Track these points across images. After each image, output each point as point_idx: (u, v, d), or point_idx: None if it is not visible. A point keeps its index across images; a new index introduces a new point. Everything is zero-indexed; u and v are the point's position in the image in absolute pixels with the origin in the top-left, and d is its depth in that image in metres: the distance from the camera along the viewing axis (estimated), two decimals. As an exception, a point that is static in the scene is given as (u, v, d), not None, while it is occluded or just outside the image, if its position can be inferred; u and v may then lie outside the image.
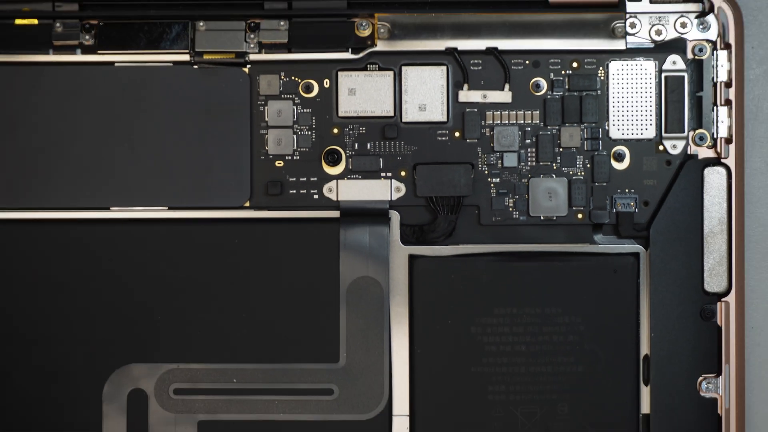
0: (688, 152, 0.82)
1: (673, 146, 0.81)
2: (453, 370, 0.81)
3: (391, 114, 0.82)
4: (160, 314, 0.81)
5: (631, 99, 0.82)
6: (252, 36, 0.81)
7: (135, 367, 0.81)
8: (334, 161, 0.82)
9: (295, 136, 0.82)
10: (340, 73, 0.82)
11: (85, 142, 0.82)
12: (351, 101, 0.82)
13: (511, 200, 0.82)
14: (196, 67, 0.81)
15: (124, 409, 0.81)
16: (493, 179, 0.82)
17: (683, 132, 0.81)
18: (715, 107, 0.81)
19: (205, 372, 0.81)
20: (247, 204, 0.82)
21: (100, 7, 0.81)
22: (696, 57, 0.81)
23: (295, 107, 0.82)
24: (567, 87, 0.82)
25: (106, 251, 0.81)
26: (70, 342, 0.81)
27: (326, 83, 0.82)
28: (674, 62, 0.81)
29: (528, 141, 0.82)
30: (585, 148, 0.82)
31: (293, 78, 0.82)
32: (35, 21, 0.81)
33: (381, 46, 0.81)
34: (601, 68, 0.81)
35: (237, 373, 0.81)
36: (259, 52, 0.81)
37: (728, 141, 0.81)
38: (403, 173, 0.82)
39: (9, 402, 0.82)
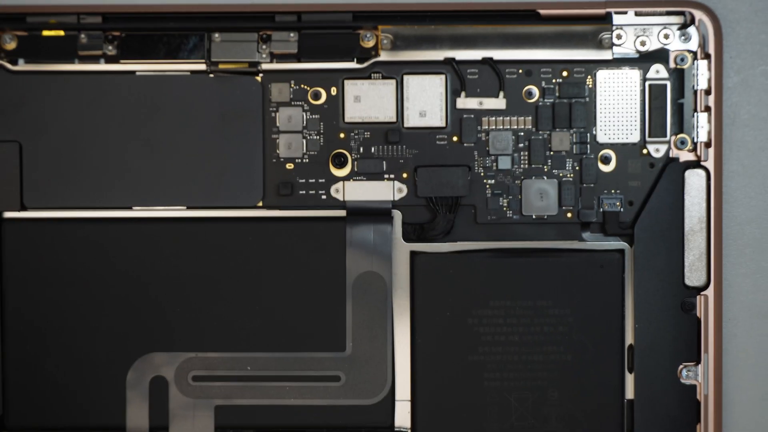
0: (670, 155, 0.83)
1: (656, 150, 0.83)
2: (451, 359, 0.83)
3: (394, 120, 0.84)
4: (179, 306, 0.82)
5: (617, 106, 0.83)
6: (264, 47, 0.83)
7: (156, 356, 0.83)
8: (341, 164, 0.83)
9: (304, 141, 0.84)
10: (346, 82, 0.83)
11: (109, 145, 0.83)
12: (356, 108, 0.83)
13: (505, 200, 0.84)
14: (212, 75, 0.83)
15: (147, 394, 0.83)
16: (489, 181, 0.84)
17: (666, 137, 0.83)
18: (695, 113, 0.83)
19: (222, 360, 0.83)
20: (260, 204, 0.83)
21: (122, 20, 0.82)
22: (678, 66, 0.82)
23: (304, 113, 0.84)
24: (557, 94, 0.83)
25: (129, 248, 0.83)
26: (96, 332, 0.83)
27: (333, 91, 0.84)
28: (657, 71, 0.82)
29: (521, 145, 0.83)
30: (574, 152, 0.83)
31: (302, 86, 0.83)
32: (61, 32, 0.82)
33: (384, 56, 0.83)
34: (589, 77, 0.83)
35: (251, 361, 0.83)
36: (271, 61, 0.83)
37: (708, 145, 0.82)
38: (404, 175, 0.84)
39: (41, 388, 0.83)
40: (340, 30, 0.83)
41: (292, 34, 0.83)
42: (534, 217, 0.84)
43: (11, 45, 0.82)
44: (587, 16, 0.83)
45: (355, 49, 0.83)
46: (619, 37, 0.82)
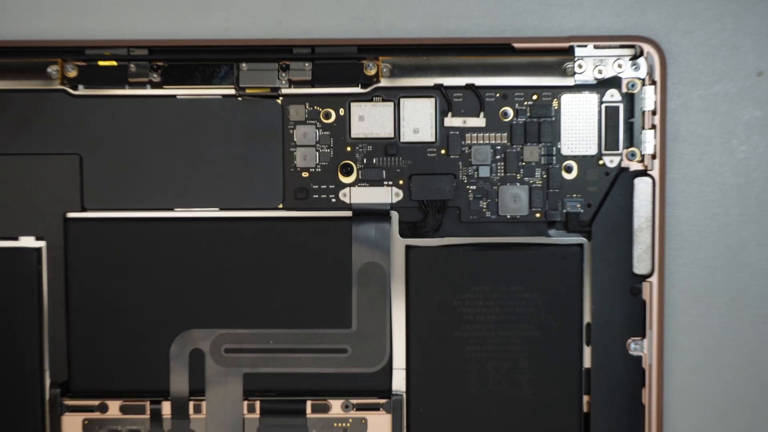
0: (622, 166, 0.85)
1: (611, 161, 0.85)
2: (439, 334, 0.85)
3: (392, 136, 0.86)
4: (213, 290, 0.85)
5: (578, 124, 0.85)
6: (284, 74, 0.85)
7: (195, 332, 0.86)
8: (348, 172, 0.86)
9: (317, 153, 0.86)
10: (352, 104, 0.85)
11: (154, 157, 0.85)
12: (360, 126, 0.86)
13: (484, 203, 0.86)
14: (240, 99, 0.85)
15: (186, 364, 0.86)
16: (471, 186, 0.86)
17: (618, 150, 0.85)
18: (643, 131, 0.85)
19: (249, 335, 0.85)
20: (280, 206, 0.86)
21: (165, 52, 0.85)
22: (629, 91, 0.85)
23: (317, 130, 0.86)
24: (528, 114, 0.85)
25: (172, 243, 0.85)
26: (144, 312, 0.86)
27: (341, 111, 0.86)
28: (612, 95, 0.85)
29: (498, 157, 0.86)
30: (542, 162, 0.86)
31: (315, 107, 0.86)
32: (114, 63, 0.85)
33: (384, 82, 0.85)
34: (555, 100, 0.85)
35: (273, 336, 0.86)
36: (289, 87, 0.85)
37: (653, 157, 0.85)
38: (401, 182, 0.86)
39: (99, 359, 0.86)
40: (347, 60, 0.84)
41: (307, 64, 0.84)
42: (509, 216, 0.86)
43: (73, 73, 0.84)
44: (553, 49, 0.84)
45: (359, 77, 0.85)
46: (580, 66, 0.84)
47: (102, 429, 0.87)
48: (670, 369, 0.89)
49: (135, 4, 0.88)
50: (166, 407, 0.87)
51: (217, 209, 0.86)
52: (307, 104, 0.86)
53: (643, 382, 0.86)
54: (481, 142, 0.86)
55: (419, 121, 0.86)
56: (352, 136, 0.87)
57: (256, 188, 0.86)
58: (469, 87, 0.86)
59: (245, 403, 0.86)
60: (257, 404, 0.87)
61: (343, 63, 0.85)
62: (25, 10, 0.88)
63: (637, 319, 0.86)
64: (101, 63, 0.85)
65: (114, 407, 0.87)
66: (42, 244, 0.86)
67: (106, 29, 0.88)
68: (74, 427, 0.87)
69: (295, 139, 0.86)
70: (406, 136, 0.86)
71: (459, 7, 0.87)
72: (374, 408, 0.86)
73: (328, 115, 0.87)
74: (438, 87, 0.86)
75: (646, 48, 0.85)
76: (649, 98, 0.85)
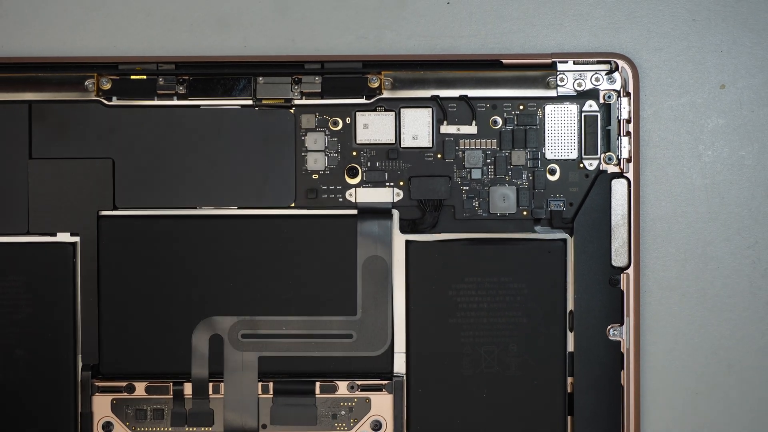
0: (601, 168, 0.87)
1: (590, 164, 0.87)
2: (436, 321, 0.87)
3: (393, 141, 0.88)
4: (232, 282, 0.87)
5: (561, 131, 0.87)
6: (296, 87, 0.87)
7: (214, 319, 0.87)
8: (354, 174, 0.88)
9: (326, 157, 0.88)
10: (357, 113, 0.87)
11: (179, 161, 0.87)
12: (365, 133, 0.88)
13: (476, 202, 0.88)
14: (257, 109, 0.87)
15: (207, 348, 0.87)
16: (464, 187, 0.88)
17: (597, 154, 0.87)
18: (619, 137, 0.87)
19: (263, 322, 0.87)
20: (292, 204, 0.88)
21: (189, 67, 0.87)
22: (606, 101, 0.87)
23: (326, 137, 0.88)
24: (516, 123, 0.87)
25: (194, 238, 0.87)
26: (168, 301, 0.87)
27: (348, 120, 0.88)
28: (591, 105, 0.87)
29: (489, 161, 0.88)
30: (528, 166, 0.87)
31: (324, 116, 0.88)
32: (144, 76, 0.87)
33: (386, 94, 0.87)
34: (539, 110, 0.87)
35: (285, 323, 0.87)
36: (301, 98, 0.87)
37: (629, 161, 0.87)
38: (401, 183, 0.88)
39: (128, 343, 0.88)
40: (353, 74, 0.87)
41: (317, 78, 0.87)
42: (498, 214, 0.88)
43: (107, 86, 0.87)
44: (538, 65, 0.87)
45: (364, 89, 0.87)
46: (561, 80, 0.86)
47: (129, 408, 0.90)
48: (647, 353, 0.90)
49: (163, 25, 0.90)
50: (187, 388, 0.89)
51: (236, 208, 0.88)
52: (317, 114, 0.89)
53: (622, 365, 0.87)
54: (474, 147, 0.89)
55: (418, 128, 0.88)
56: (358, 142, 0.89)
57: (270, 189, 0.88)
58: (463, 98, 0.88)
59: (260, 384, 0.89)
60: (271, 385, 0.89)
61: (349, 77, 0.88)
62: (66, 30, 0.91)
63: (615, 308, 0.88)
64: (133, 77, 0.88)
65: (140, 388, 0.89)
66: (77, 239, 0.89)
67: (137, 47, 0.90)
68: (104, 406, 0.90)
69: (306, 145, 0.89)
70: (406, 141, 0.89)
71: (453, 27, 0.90)
72: (377, 389, 0.89)
73: (336, 123, 0.89)
74: (434, 98, 0.88)
75: (621, 63, 0.87)
76: (624, 108, 0.87)
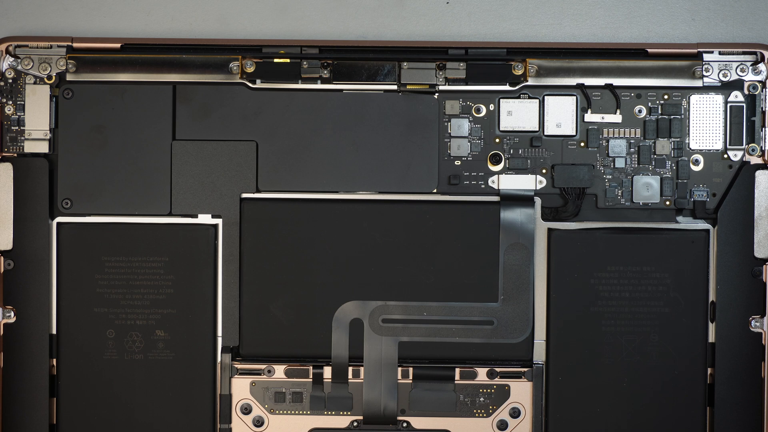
0: (744, 159, 0.88)
1: (735, 155, 0.88)
2: (576, 310, 0.88)
3: (537, 129, 0.88)
4: (373, 267, 0.88)
5: (705, 122, 0.88)
6: (440, 73, 0.88)
7: (355, 303, 0.89)
8: (497, 161, 0.89)
9: (469, 144, 0.89)
10: (501, 100, 0.88)
11: (323, 145, 0.89)
12: (509, 120, 0.89)
13: (619, 191, 0.88)
14: (401, 94, 0.88)
15: (347, 332, 0.88)
16: (607, 176, 0.88)
17: (742, 145, 0.87)
18: (763, 128, 0.87)
19: (404, 307, 0.88)
20: (435, 191, 0.89)
21: (334, 51, 0.88)
22: (750, 93, 0.87)
23: (469, 123, 0.88)
24: (660, 112, 0.87)
25: (336, 223, 0.88)
26: (310, 285, 0.88)
27: (491, 107, 0.88)
28: (736, 96, 0.87)
29: (632, 150, 0.88)
30: (672, 155, 0.88)
31: (468, 103, 0.88)
32: (288, 60, 0.88)
33: (530, 81, 0.88)
34: (684, 100, 0.88)
35: (426, 309, 0.88)
36: (445, 84, 0.88)
37: None
38: (544, 171, 0.89)
39: (268, 327, 0.89)
40: (497, 61, 0.87)
41: (461, 64, 0.87)
42: (641, 204, 0.88)
43: (251, 69, 0.88)
44: (683, 54, 0.87)
45: (508, 76, 0.88)
46: (707, 70, 0.87)
47: (268, 391, 0.90)
48: (788, 345, 0.88)
49: (307, 8, 0.91)
50: (327, 372, 0.90)
51: (377, 192, 0.89)
52: (461, 100, 0.89)
53: (763, 356, 0.87)
54: (617, 136, 0.89)
55: (561, 116, 0.89)
56: (501, 129, 0.89)
57: (413, 174, 0.89)
58: (608, 87, 0.88)
59: (399, 369, 0.89)
60: (410, 370, 0.89)
61: (493, 63, 0.88)
62: (213, 12, 0.92)
63: (757, 299, 0.87)
64: (276, 60, 0.88)
65: (279, 371, 0.90)
66: (219, 221, 0.89)
67: (282, 31, 0.91)
68: (243, 388, 0.90)
69: (449, 131, 0.89)
70: (550, 129, 0.89)
71: (599, 16, 0.91)
72: (517, 376, 0.89)
73: (479, 110, 0.89)
74: (579, 86, 0.89)
75: (767, 54, 0.88)
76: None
